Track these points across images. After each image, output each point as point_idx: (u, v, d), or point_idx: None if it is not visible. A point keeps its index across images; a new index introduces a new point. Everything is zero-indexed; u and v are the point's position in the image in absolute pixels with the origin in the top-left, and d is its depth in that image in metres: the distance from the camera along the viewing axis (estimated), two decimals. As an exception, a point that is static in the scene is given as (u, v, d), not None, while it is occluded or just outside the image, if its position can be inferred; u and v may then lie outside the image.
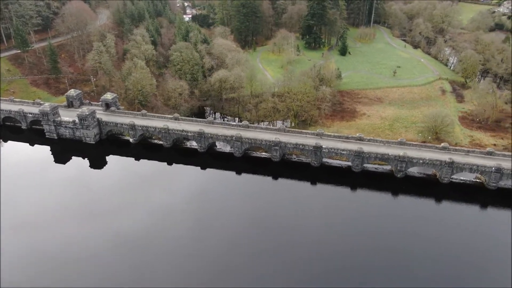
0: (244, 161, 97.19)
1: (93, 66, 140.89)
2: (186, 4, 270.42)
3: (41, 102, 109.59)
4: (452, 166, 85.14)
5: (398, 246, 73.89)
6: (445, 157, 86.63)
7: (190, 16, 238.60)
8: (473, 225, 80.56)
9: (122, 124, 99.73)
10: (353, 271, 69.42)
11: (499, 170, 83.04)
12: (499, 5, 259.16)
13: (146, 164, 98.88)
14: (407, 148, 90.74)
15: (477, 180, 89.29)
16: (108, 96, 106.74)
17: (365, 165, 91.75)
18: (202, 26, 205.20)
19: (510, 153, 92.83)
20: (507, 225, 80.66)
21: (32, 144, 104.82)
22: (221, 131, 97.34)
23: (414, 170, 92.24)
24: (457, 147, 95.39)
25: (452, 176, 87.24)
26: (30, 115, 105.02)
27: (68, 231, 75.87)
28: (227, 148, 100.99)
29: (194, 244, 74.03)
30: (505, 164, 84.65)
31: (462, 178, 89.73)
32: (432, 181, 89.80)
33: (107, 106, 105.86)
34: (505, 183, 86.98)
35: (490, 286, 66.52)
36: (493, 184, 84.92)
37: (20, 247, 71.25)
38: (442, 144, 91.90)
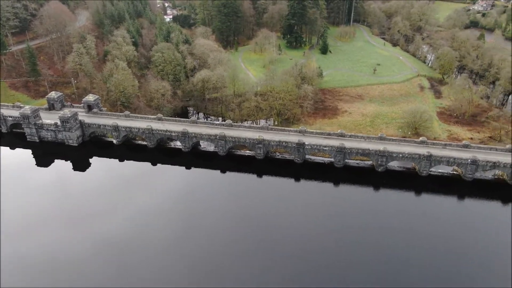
0: (228, 160, 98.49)
1: (73, 68, 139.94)
2: (166, 4, 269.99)
3: (21, 105, 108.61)
4: (430, 159, 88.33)
5: (382, 239, 75.97)
6: (423, 151, 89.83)
7: (171, 16, 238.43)
8: (452, 216, 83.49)
9: (105, 126, 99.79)
10: (340, 266, 71.01)
11: (474, 162, 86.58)
12: (474, 3, 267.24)
13: (130, 165, 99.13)
14: (387, 143, 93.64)
15: (454, 172, 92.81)
16: (90, 97, 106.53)
17: (347, 160, 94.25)
18: (183, 26, 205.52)
19: (485, 146, 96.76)
20: (483, 215, 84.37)
21: (13, 147, 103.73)
22: (205, 130, 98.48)
23: (394, 164, 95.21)
24: (434, 141, 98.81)
25: (430, 169, 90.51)
26: (10, 119, 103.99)
27: (54, 235, 75.41)
28: (211, 147, 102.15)
29: (182, 244, 74.69)
30: (480, 156, 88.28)
31: (440, 170, 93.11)
32: (411, 174, 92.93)
33: (89, 107, 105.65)
34: (481, 174, 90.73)
35: (471, 274, 69.13)
36: (469, 175, 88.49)
37: (4, 254, 70.40)
38: (421, 139, 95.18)
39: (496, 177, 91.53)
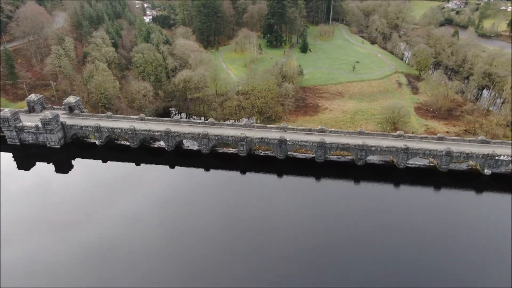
0: (212, 158, 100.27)
1: (52, 71, 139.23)
2: (145, 5, 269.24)
3: (0, 108, 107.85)
4: (407, 152, 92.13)
5: (365, 232, 78.71)
6: (400, 144, 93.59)
7: (151, 17, 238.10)
8: (429, 206, 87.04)
9: (87, 127, 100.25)
10: (325, 260, 72.38)
11: (449, 153, 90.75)
12: (448, 1, 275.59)
13: (114, 166, 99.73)
14: (366, 138, 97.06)
15: (430, 163, 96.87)
16: (71, 99, 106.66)
17: (327, 155, 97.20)
18: (163, 27, 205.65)
19: (458, 138, 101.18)
20: (459, 204, 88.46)
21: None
22: (188, 129, 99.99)
23: (373, 158, 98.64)
24: (411, 135, 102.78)
25: (407, 162, 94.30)
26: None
27: (38, 240, 75.38)
28: (194, 146, 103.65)
29: (168, 244, 75.51)
30: (454, 148, 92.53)
31: (417, 162, 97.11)
32: (390, 167, 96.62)
33: (71, 109, 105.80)
34: (455, 165, 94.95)
35: (450, 261, 72.11)
36: (444, 166, 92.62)
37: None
38: (398, 132, 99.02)
39: (470, 167, 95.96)
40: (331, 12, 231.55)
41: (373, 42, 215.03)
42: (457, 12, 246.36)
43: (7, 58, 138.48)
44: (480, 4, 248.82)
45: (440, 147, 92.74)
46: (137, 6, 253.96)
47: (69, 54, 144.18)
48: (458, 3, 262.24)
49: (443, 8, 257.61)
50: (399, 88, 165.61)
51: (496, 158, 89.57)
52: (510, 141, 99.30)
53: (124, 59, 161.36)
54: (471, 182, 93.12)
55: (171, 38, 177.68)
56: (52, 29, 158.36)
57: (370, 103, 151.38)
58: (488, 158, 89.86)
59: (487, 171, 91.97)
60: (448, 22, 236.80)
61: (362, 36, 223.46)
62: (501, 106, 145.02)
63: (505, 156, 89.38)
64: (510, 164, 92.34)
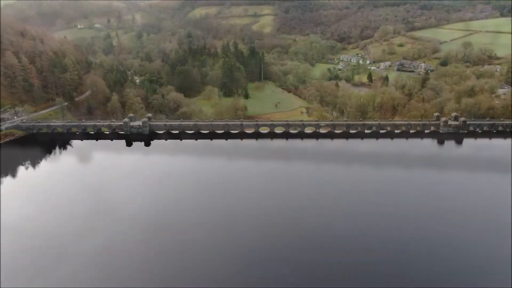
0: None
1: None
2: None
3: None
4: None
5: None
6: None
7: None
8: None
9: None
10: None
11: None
12: (338, 64, 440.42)
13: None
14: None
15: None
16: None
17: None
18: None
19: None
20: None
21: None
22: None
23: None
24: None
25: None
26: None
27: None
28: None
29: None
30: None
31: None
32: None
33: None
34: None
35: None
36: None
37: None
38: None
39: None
40: (262, 73, 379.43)
41: (289, 91, 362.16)
42: (340, 71, 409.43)
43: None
44: (355, 65, 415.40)
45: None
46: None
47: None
48: (343, 65, 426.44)
49: (334, 68, 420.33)
50: (301, 115, 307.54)
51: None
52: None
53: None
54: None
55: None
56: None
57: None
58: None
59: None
60: (335, 77, 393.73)
61: (283, 88, 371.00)
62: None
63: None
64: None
